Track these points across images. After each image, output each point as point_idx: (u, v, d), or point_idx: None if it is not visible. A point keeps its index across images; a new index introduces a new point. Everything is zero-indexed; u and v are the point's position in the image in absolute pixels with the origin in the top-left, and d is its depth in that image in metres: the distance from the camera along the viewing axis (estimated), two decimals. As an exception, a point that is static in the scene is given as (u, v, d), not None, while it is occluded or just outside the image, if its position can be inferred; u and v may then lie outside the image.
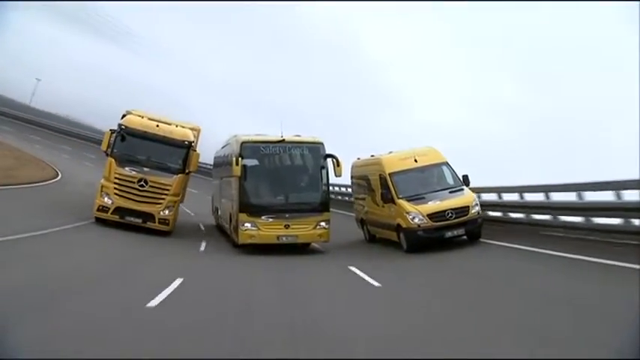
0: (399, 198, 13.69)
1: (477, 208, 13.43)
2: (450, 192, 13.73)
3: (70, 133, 52.08)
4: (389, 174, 14.16)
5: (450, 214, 13.00)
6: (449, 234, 13.06)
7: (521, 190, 14.48)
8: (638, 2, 15.88)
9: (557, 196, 13.01)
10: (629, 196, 10.40)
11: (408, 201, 13.52)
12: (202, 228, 20.02)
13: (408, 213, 13.21)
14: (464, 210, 13.15)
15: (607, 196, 10.97)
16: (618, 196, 10.62)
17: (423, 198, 13.55)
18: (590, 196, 11.67)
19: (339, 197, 25.19)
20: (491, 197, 15.53)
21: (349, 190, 24.07)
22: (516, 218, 14.61)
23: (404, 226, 13.30)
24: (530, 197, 14.09)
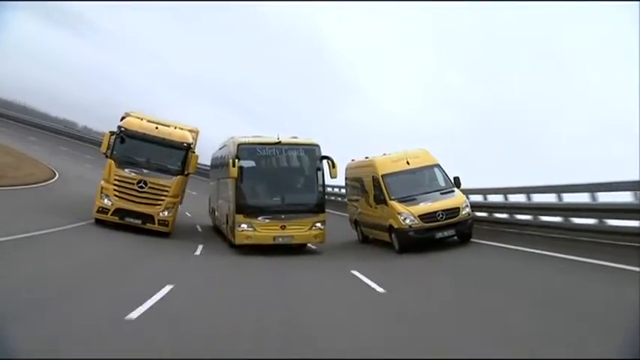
0: (391, 199, 14.05)
1: (468, 209, 13.80)
2: (441, 193, 14.10)
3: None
4: (382, 176, 14.52)
5: (440, 215, 13.36)
6: (439, 235, 13.41)
7: (505, 191, 14.94)
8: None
9: (537, 198, 13.55)
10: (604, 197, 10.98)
11: (400, 202, 13.87)
12: (200, 230, 20.34)
13: (399, 214, 13.58)
14: (454, 211, 13.51)
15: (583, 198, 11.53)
16: (593, 197, 11.13)
17: (415, 199, 13.91)
18: (568, 198, 12.34)
19: (332, 198, 25.48)
20: (477, 198, 15.88)
21: (342, 190, 24.55)
22: (502, 218, 14.99)
23: (396, 226, 13.66)
24: (513, 198, 14.55)
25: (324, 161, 14.90)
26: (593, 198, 11.15)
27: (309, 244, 15.39)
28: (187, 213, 22.75)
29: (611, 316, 6.43)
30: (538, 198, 13.49)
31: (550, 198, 12.78)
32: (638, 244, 9.72)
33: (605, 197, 11.02)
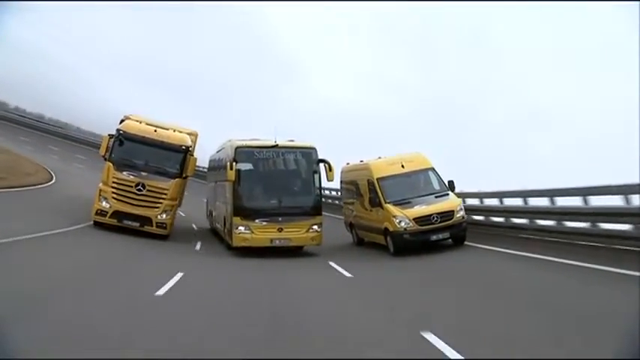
0: (386, 202, 14.25)
1: (462, 212, 14.01)
2: (436, 197, 14.32)
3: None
4: (377, 179, 14.73)
5: (435, 218, 13.57)
6: (434, 237, 13.61)
7: (501, 195, 15.14)
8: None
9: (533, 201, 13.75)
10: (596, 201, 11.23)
11: (395, 205, 14.08)
12: (195, 227, 20.46)
13: (394, 217, 13.78)
14: (449, 214, 13.71)
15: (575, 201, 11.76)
16: (585, 201, 11.40)
17: (410, 202, 14.11)
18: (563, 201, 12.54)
19: (330, 200, 25.66)
20: (473, 202, 16.14)
21: (334, 193, 24.76)
22: (497, 222, 15.22)
23: (391, 229, 13.86)
24: (508, 202, 14.77)
25: (321, 164, 15.09)
26: (585, 202, 11.41)
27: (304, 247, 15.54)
28: (181, 212, 22.90)
29: (607, 319, 6.53)
30: (531, 201, 13.84)
31: (544, 201, 13.04)
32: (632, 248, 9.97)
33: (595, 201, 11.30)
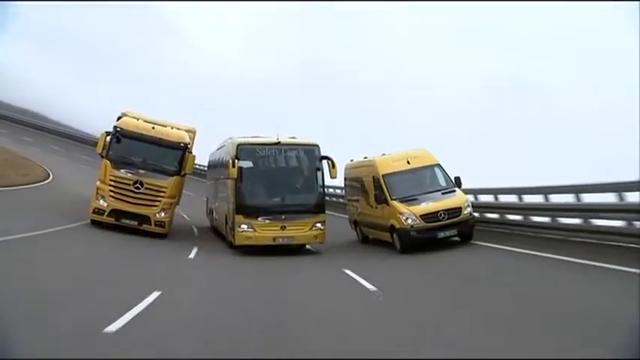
0: (392, 199, 13.96)
1: (469, 209, 13.75)
2: (443, 193, 14.04)
3: None
4: (382, 175, 14.43)
5: (442, 215, 13.30)
6: (441, 234, 13.35)
7: (496, 192, 15.27)
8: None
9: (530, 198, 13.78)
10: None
11: (402, 202, 13.79)
12: (195, 231, 20.09)
13: (401, 214, 13.49)
14: (456, 211, 13.45)
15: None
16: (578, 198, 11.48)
17: (416, 199, 13.84)
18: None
19: (328, 198, 25.24)
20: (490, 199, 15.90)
21: (337, 191, 24.45)
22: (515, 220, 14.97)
23: (397, 226, 13.58)
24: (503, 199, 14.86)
25: (324, 161, 14.82)
26: (578, 198, 11.50)
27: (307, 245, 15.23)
28: (185, 215, 22.51)
29: (603, 316, 6.40)
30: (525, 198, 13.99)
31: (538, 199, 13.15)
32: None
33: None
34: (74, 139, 50.17)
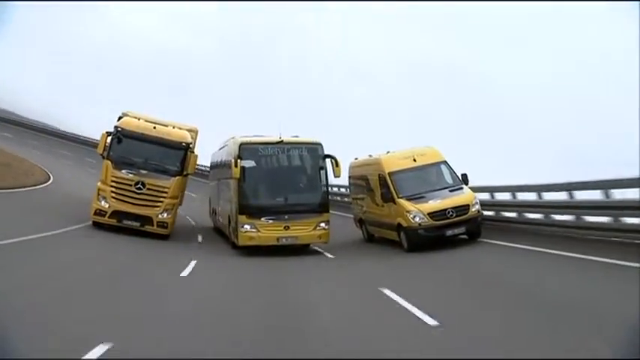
0: (399, 197, 13.70)
1: (477, 206, 13.47)
2: (450, 191, 13.78)
3: None
4: (388, 173, 14.17)
5: (450, 213, 13.02)
6: (449, 232, 13.08)
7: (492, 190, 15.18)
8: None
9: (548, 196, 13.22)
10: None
11: (409, 200, 13.53)
12: (198, 235, 19.79)
13: (408, 212, 13.22)
14: (464, 208, 13.18)
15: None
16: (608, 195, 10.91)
17: (423, 197, 13.56)
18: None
19: (338, 198, 24.96)
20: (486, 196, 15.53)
21: (341, 190, 24.17)
22: (510, 217, 14.63)
23: (405, 225, 13.30)
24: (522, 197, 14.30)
25: (328, 160, 14.56)
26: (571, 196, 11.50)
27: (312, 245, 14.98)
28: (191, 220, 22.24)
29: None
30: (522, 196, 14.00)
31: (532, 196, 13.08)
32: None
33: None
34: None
